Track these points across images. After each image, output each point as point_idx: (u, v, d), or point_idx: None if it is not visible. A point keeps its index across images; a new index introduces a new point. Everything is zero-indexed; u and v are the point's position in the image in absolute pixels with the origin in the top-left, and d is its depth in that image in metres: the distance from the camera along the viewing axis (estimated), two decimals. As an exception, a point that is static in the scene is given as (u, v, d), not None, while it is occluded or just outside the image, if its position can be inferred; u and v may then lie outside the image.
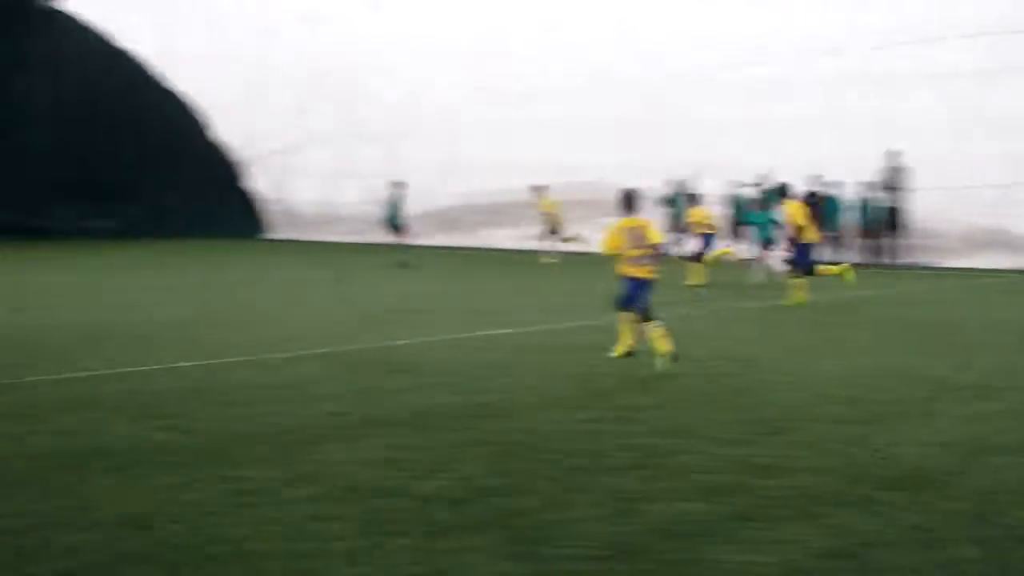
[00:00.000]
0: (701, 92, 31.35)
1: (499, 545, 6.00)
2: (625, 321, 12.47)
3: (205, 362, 12.02)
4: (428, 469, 7.57)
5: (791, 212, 19.13)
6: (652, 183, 28.60)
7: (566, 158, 32.67)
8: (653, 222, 12.88)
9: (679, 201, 30.51)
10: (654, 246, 12.35)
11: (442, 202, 36.81)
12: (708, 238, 23.40)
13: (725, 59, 31.01)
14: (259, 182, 39.40)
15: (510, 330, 14.74)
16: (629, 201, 12.49)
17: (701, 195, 26.76)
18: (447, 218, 37.17)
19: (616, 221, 12.51)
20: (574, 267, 27.51)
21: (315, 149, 39.48)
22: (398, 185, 29.47)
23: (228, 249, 35.17)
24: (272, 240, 40.83)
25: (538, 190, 30.63)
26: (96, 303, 18.12)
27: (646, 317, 12.17)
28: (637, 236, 12.24)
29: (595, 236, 21.27)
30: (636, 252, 12.21)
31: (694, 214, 24.12)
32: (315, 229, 38.57)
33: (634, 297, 12.24)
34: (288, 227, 40.39)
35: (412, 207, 30.68)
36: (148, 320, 15.74)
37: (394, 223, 29.44)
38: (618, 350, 12.56)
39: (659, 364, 11.68)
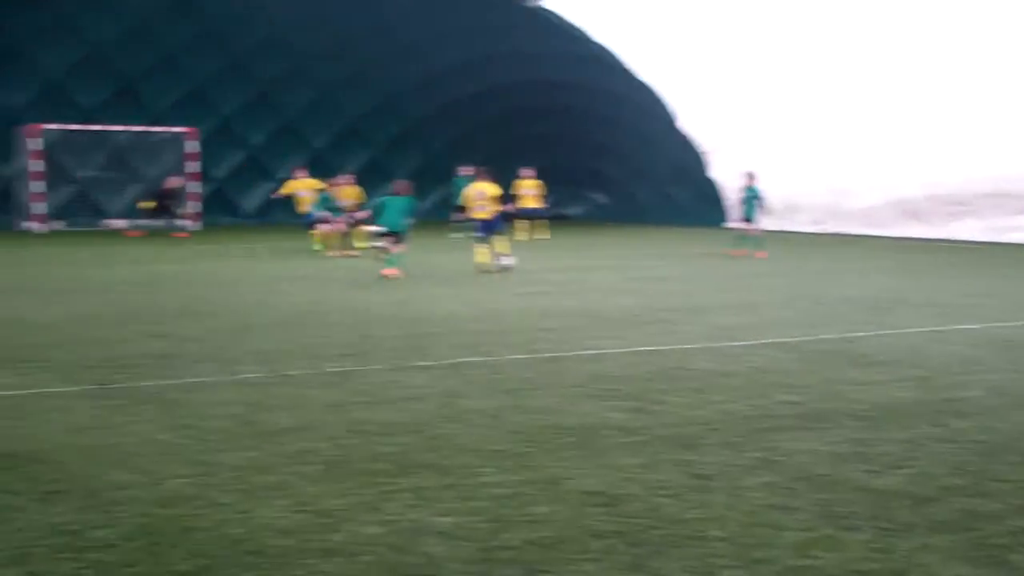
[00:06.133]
0: None
1: (961, 548, 5.81)
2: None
3: (664, 348, 12.37)
4: (889, 464, 7.43)
5: None
6: None
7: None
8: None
9: None
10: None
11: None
12: None
13: None
14: (722, 171, 39.64)
15: (976, 325, 14.02)
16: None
17: None
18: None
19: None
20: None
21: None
22: None
23: (691, 237, 35.66)
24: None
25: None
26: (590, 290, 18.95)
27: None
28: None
29: None
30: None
31: None
32: (777, 218, 38.21)
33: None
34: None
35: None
36: (609, 307, 16.30)
37: None
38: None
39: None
